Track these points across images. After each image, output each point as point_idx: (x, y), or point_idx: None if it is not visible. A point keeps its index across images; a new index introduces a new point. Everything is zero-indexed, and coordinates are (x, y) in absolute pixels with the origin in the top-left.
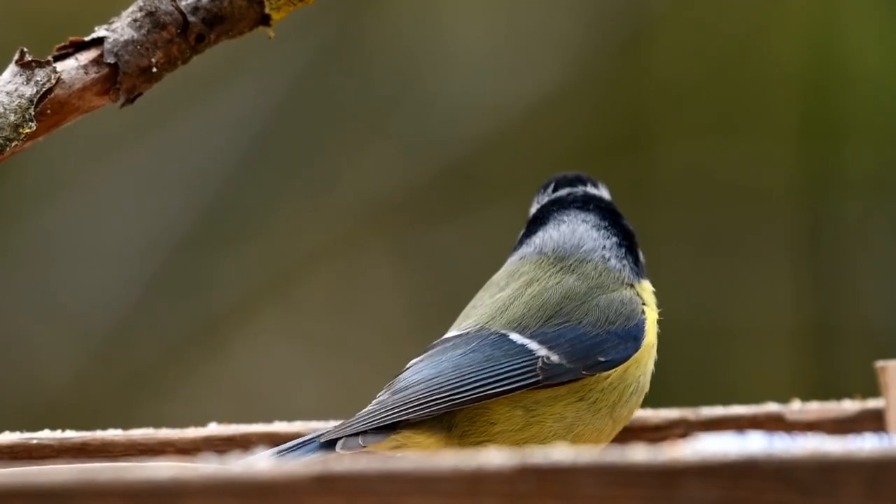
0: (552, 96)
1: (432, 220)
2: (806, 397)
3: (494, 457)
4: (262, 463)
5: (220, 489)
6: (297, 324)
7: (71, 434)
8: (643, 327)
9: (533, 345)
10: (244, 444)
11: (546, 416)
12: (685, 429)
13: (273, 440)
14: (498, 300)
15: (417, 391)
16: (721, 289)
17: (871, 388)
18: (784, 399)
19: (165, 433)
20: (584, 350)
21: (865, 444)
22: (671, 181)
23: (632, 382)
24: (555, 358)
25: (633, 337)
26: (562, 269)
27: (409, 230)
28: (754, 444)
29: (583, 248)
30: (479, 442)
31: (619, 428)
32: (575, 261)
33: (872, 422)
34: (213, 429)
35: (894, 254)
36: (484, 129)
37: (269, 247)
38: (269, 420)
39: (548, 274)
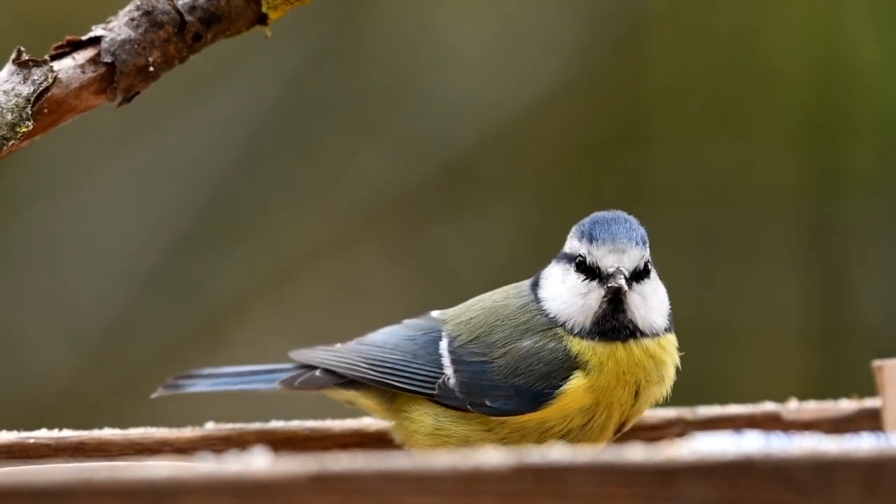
0: (550, 95)
1: (429, 219)
2: (807, 397)
3: (491, 456)
4: (258, 462)
5: (217, 488)
6: (294, 322)
7: (68, 433)
8: (552, 394)
9: (446, 360)
10: (241, 443)
11: (451, 435)
12: (682, 428)
13: (270, 439)
14: (472, 301)
15: (359, 351)
16: (720, 288)
17: (872, 387)
18: (785, 399)
19: (162, 432)
20: (477, 388)
21: (862, 444)
22: (669, 180)
23: (550, 434)
24: (452, 382)
25: (533, 397)
26: (522, 306)
27: (405, 229)
28: (751, 443)
29: (546, 294)
30: (407, 430)
31: None
32: (535, 304)
33: (869, 421)
34: (210, 428)
35: (895, 253)
36: (481, 128)
37: (266, 245)
38: (265, 419)
39: (513, 300)
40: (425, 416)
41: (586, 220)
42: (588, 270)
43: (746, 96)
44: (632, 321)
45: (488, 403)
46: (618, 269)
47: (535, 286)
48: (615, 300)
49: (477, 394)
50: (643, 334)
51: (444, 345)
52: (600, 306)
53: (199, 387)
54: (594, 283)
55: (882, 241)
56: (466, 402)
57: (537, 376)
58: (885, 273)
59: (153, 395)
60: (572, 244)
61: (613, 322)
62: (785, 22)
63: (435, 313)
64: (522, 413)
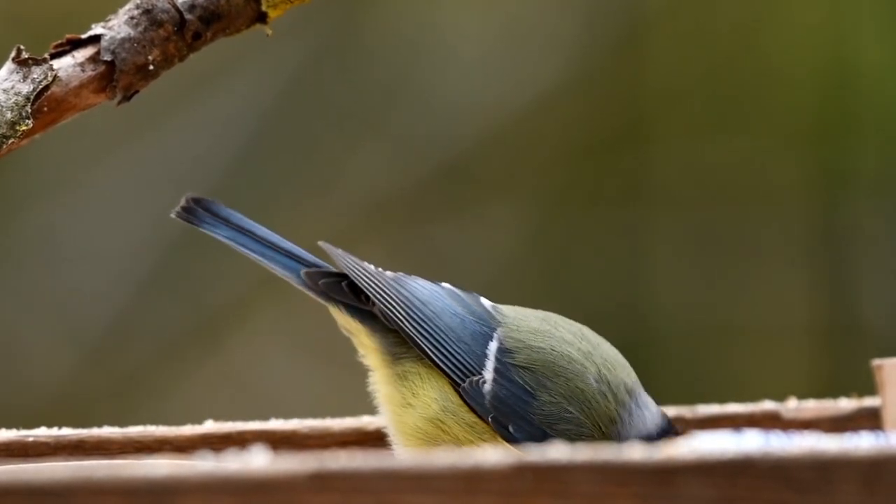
0: (550, 94)
1: (429, 218)
2: (810, 396)
3: (491, 455)
4: (258, 460)
5: (216, 487)
6: (293, 322)
7: (67, 432)
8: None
9: (490, 364)
10: (240, 441)
11: (448, 432)
12: (682, 427)
13: (269, 438)
14: (545, 317)
15: (400, 295)
16: (721, 288)
17: (872, 386)
18: (784, 398)
19: (162, 431)
20: (510, 410)
21: (862, 443)
22: (670, 179)
23: None
24: (486, 388)
25: (546, 437)
26: (584, 354)
27: (405, 228)
28: (751, 442)
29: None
30: (406, 401)
31: None
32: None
33: (869, 420)
34: (210, 427)
35: None
36: (480, 127)
37: None
38: (265, 418)
39: (572, 342)
40: (433, 402)
41: None
42: None
43: (747, 95)
44: None
45: (511, 430)
46: None
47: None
48: None
49: (506, 415)
50: None
51: (493, 347)
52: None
53: (216, 231)
54: None
55: (885, 240)
56: (490, 415)
57: (568, 439)
58: (888, 272)
59: (172, 214)
60: None
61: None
62: (786, 21)
63: (486, 302)
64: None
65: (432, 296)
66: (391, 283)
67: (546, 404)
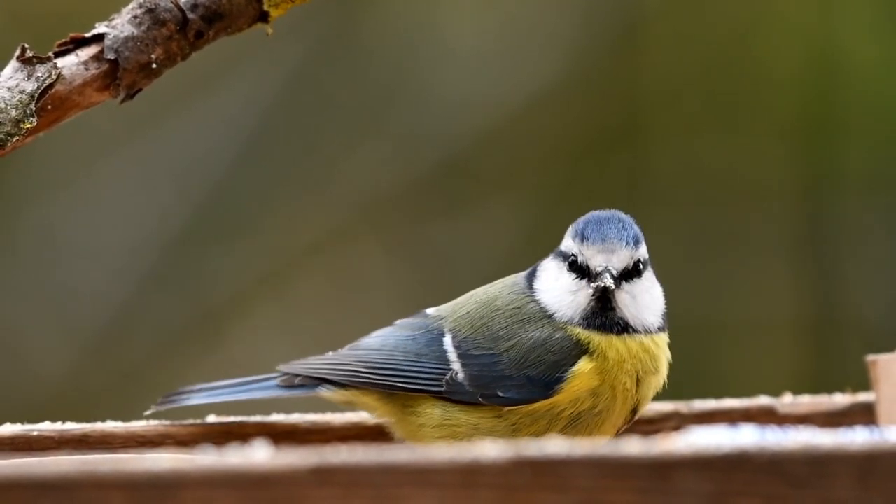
0: (547, 92)
1: (427, 216)
2: (800, 391)
3: (490, 449)
4: (259, 454)
5: (217, 480)
6: (292, 318)
7: (71, 426)
8: (563, 378)
9: (453, 355)
10: (241, 436)
11: (461, 424)
12: (678, 422)
13: (270, 432)
14: (467, 296)
15: (356, 357)
16: (715, 284)
17: (865, 381)
18: (779, 392)
19: (164, 425)
20: (488, 380)
21: (856, 437)
22: (666, 176)
23: (560, 419)
24: (461, 377)
25: (545, 385)
26: (516, 297)
27: (403, 225)
28: (746, 437)
29: (541, 286)
30: (416, 423)
31: None
32: (529, 295)
33: (863, 415)
34: (212, 421)
35: (889, 249)
36: (478, 125)
37: (265, 242)
38: (266, 413)
39: (507, 292)
40: (432, 409)
41: (581, 220)
42: (579, 269)
43: (741, 94)
44: (622, 318)
45: (501, 394)
46: (606, 268)
47: (531, 277)
48: (603, 298)
49: (488, 385)
50: (635, 331)
51: (448, 340)
52: (588, 304)
53: (195, 400)
54: (584, 282)
55: (874, 237)
56: (478, 395)
57: (548, 365)
58: (876, 268)
59: (146, 413)
60: (567, 242)
61: (602, 318)
62: (779, 21)
63: (430, 311)
64: (536, 401)
65: (383, 338)
66: (347, 353)
67: (508, 350)
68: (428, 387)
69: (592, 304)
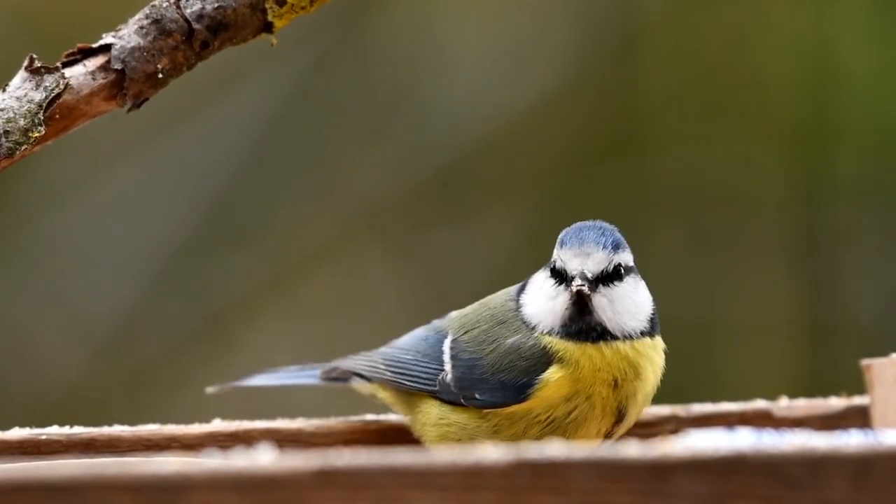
0: (548, 101)
1: (431, 223)
2: (796, 394)
3: (491, 452)
4: (264, 457)
5: (223, 483)
6: (299, 323)
7: (79, 430)
8: (533, 384)
9: (447, 356)
10: (247, 439)
11: (452, 423)
12: (676, 425)
13: (275, 436)
14: (479, 302)
15: (382, 353)
16: (713, 290)
17: (860, 385)
18: (775, 396)
19: (171, 429)
20: (469, 382)
21: (851, 440)
22: (665, 184)
23: (536, 423)
24: (449, 378)
25: (517, 389)
26: (504, 308)
27: (408, 232)
28: (743, 439)
29: (526, 299)
30: (419, 422)
31: None
32: (515, 306)
33: (858, 418)
34: (217, 425)
35: (883, 254)
36: (481, 133)
37: (272, 248)
38: (271, 416)
39: (502, 300)
40: (431, 408)
41: (566, 229)
42: (557, 275)
43: (738, 103)
44: (599, 323)
45: (478, 396)
46: (581, 271)
47: (521, 291)
48: (580, 302)
49: (468, 388)
50: (614, 336)
51: (447, 343)
52: (566, 309)
53: (255, 381)
54: (561, 287)
55: (869, 243)
56: (460, 396)
57: (519, 371)
58: (871, 274)
59: (209, 390)
60: (553, 251)
61: (581, 324)
62: (775, 31)
63: (452, 314)
64: (508, 405)
65: (409, 337)
66: (381, 350)
67: (489, 354)
68: (426, 386)
69: (570, 309)
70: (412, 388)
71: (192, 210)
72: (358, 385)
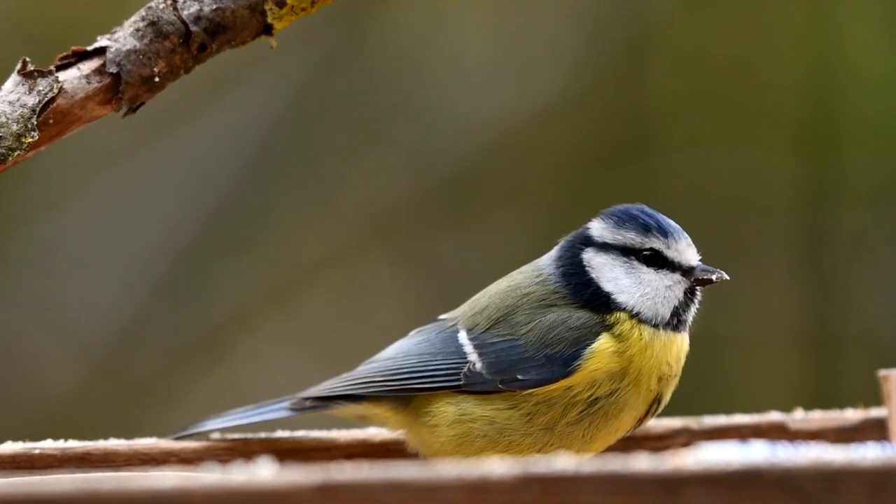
0: (554, 106)
1: (434, 230)
2: (808, 406)
3: (497, 466)
4: (264, 472)
5: (222, 498)
6: (299, 333)
7: (73, 444)
8: (581, 354)
9: (469, 348)
10: (246, 453)
11: (476, 418)
12: (688, 438)
13: (274, 449)
14: (481, 294)
15: (372, 369)
16: (723, 298)
17: (872, 397)
18: (786, 408)
19: (168, 443)
20: (506, 365)
21: (868, 453)
22: (672, 191)
23: (576, 403)
24: (479, 366)
25: (565, 362)
26: (536, 281)
27: (411, 239)
28: (757, 453)
29: (546, 266)
30: (430, 424)
31: (582, 446)
32: (543, 276)
33: (875, 431)
34: (216, 438)
35: (894, 263)
36: (486, 139)
37: (271, 256)
38: (271, 430)
39: (523, 283)
40: (447, 407)
41: (638, 213)
42: (667, 264)
43: (747, 108)
44: (692, 314)
45: (520, 377)
46: (700, 265)
47: (565, 273)
48: (693, 292)
49: (506, 371)
50: (686, 329)
51: (463, 335)
52: (683, 297)
53: (210, 425)
54: (676, 276)
55: (879, 250)
56: (497, 382)
57: (568, 342)
58: (882, 282)
59: (171, 437)
60: (628, 236)
61: (687, 314)
62: (783, 34)
63: (444, 316)
64: (555, 380)
65: (396, 348)
66: (362, 369)
67: (528, 333)
68: (445, 382)
69: (684, 298)
70: (429, 389)
71: (190, 218)
72: (341, 410)
